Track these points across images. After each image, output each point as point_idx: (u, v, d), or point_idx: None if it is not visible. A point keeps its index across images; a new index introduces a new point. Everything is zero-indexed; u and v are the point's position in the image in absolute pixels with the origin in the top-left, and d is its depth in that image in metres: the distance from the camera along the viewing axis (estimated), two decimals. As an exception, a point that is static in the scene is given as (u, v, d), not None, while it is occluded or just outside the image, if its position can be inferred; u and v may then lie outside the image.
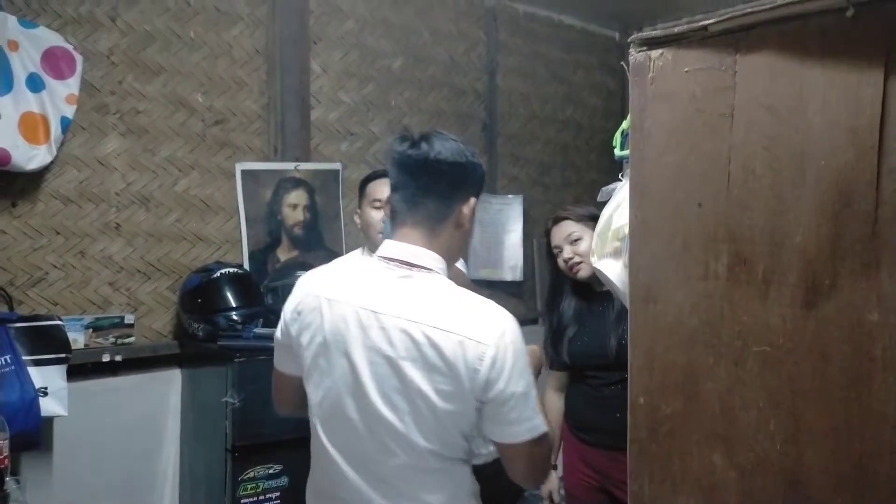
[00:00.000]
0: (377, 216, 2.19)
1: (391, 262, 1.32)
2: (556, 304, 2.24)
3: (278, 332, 1.43)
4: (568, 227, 2.15)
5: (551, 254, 2.23)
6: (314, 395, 1.37)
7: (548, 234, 2.24)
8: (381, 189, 2.19)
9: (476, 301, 1.30)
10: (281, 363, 1.47)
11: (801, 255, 1.04)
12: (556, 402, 2.30)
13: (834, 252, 1.00)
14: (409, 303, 1.27)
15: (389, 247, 1.34)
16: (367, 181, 2.28)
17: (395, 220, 1.35)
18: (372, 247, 2.25)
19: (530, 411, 1.27)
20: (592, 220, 1.95)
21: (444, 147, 1.31)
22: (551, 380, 2.32)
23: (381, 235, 2.19)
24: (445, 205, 1.33)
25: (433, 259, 1.32)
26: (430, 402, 1.24)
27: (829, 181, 1.01)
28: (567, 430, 2.28)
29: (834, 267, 1.01)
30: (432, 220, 1.33)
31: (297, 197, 3.06)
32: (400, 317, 1.26)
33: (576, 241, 2.12)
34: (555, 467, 2.28)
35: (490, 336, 1.24)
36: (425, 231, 1.33)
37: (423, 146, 1.31)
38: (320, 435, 1.37)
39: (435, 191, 1.32)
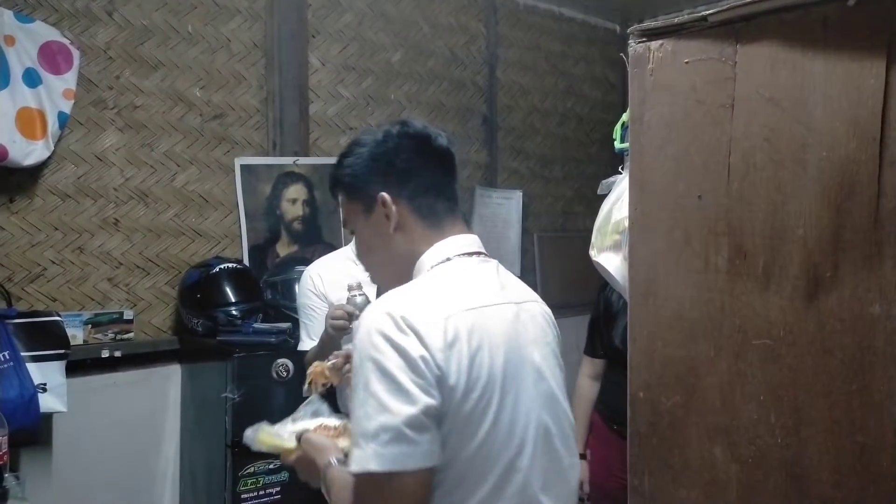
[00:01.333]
0: None
1: (481, 256, 1.17)
2: (607, 289, 2.19)
3: (425, 399, 0.95)
4: None
5: None
6: (510, 438, 1.04)
7: None
8: None
9: None
10: (429, 453, 0.97)
11: (802, 248, 1.03)
12: (590, 389, 2.24)
13: (835, 244, 1.00)
14: (523, 288, 1.20)
15: (465, 241, 1.16)
16: None
17: (440, 216, 1.16)
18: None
19: None
20: None
21: None
22: (587, 367, 2.27)
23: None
24: None
25: None
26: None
27: (830, 173, 1.00)
28: (602, 423, 2.23)
29: (835, 259, 1.00)
30: None
31: (296, 192, 3.05)
32: (535, 301, 1.19)
33: None
34: (584, 456, 2.26)
35: None
36: None
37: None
38: (533, 489, 1.07)
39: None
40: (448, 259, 1.13)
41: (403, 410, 0.94)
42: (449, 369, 0.98)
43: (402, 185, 1.15)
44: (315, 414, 1.41)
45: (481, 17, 3.74)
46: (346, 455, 1.09)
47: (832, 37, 1.00)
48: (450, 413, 0.99)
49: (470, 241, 1.17)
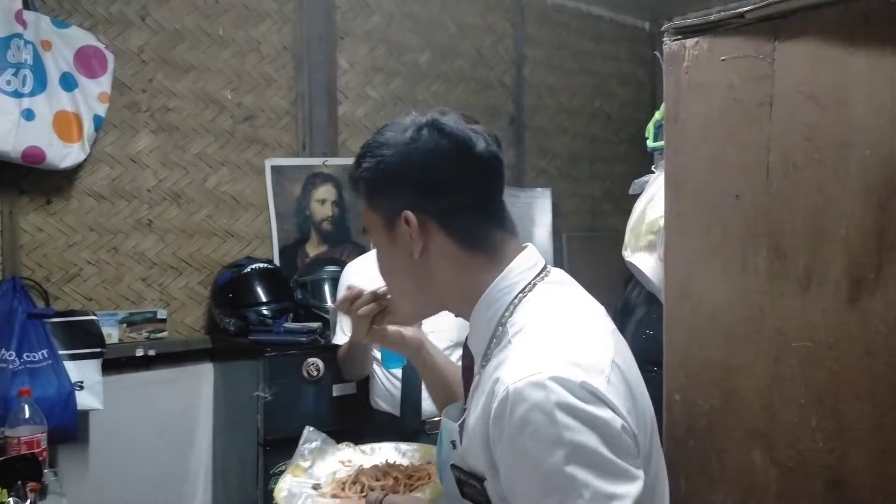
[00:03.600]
0: None
1: (548, 269, 1.02)
2: (628, 287, 2.18)
3: (641, 474, 0.82)
4: None
5: None
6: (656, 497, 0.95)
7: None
8: None
9: None
10: None
11: (845, 248, 1.01)
12: None
13: (879, 244, 0.97)
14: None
15: (531, 260, 1.00)
16: None
17: (488, 239, 0.98)
18: None
19: None
20: None
21: None
22: None
23: None
24: None
25: None
26: None
27: (874, 171, 0.98)
28: None
29: (879, 260, 0.98)
30: None
31: (325, 192, 3.07)
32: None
33: None
34: None
35: None
36: None
37: None
38: None
39: None
40: (532, 286, 0.96)
41: (631, 491, 0.79)
42: (636, 429, 0.84)
43: (434, 201, 0.96)
44: (321, 451, 1.35)
45: (508, 16, 3.72)
46: None
47: (875, 32, 0.98)
48: None
49: (534, 257, 1.00)
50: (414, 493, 1.14)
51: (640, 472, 0.82)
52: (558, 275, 1.01)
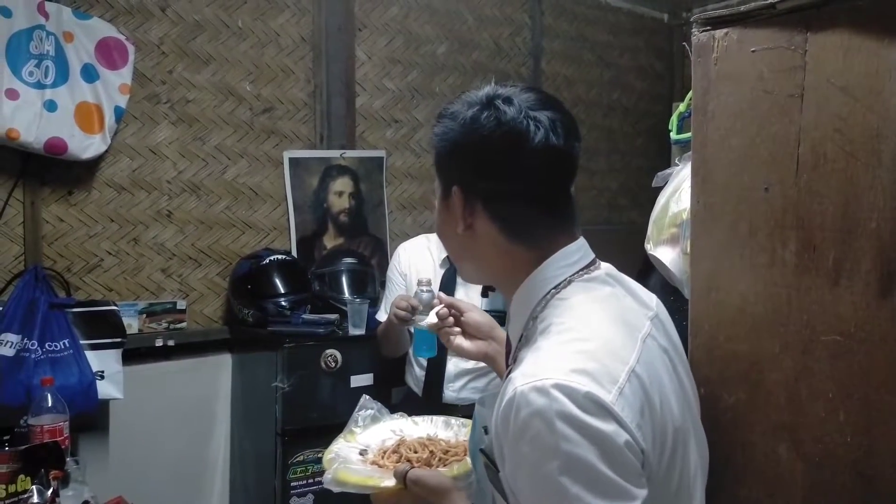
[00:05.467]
0: None
1: (593, 265, 1.00)
2: (646, 274, 2.16)
3: (641, 493, 0.80)
4: None
5: None
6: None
7: None
8: None
9: None
10: None
11: (876, 241, 1.00)
12: None
13: (912, 238, 0.96)
14: (637, 284, 1.06)
15: (574, 255, 0.97)
16: None
17: (535, 232, 0.96)
18: None
19: None
20: None
21: None
22: None
23: None
24: None
25: None
26: None
27: (907, 164, 0.96)
28: None
29: (912, 253, 0.97)
30: None
31: (342, 184, 3.08)
32: (652, 296, 1.05)
33: None
34: None
35: None
36: None
37: None
38: None
39: None
40: (568, 282, 0.94)
41: None
42: (646, 444, 0.82)
43: (481, 185, 0.94)
44: (374, 419, 1.39)
45: (526, 8, 3.71)
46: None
47: (910, 23, 0.96)
48: (650, 494, 0.82)
49: (579, 252, 0.97)
50: (444, 469, 1.16)
51: (640, 492, 0.79)
52: (603, 272, 0.98)
